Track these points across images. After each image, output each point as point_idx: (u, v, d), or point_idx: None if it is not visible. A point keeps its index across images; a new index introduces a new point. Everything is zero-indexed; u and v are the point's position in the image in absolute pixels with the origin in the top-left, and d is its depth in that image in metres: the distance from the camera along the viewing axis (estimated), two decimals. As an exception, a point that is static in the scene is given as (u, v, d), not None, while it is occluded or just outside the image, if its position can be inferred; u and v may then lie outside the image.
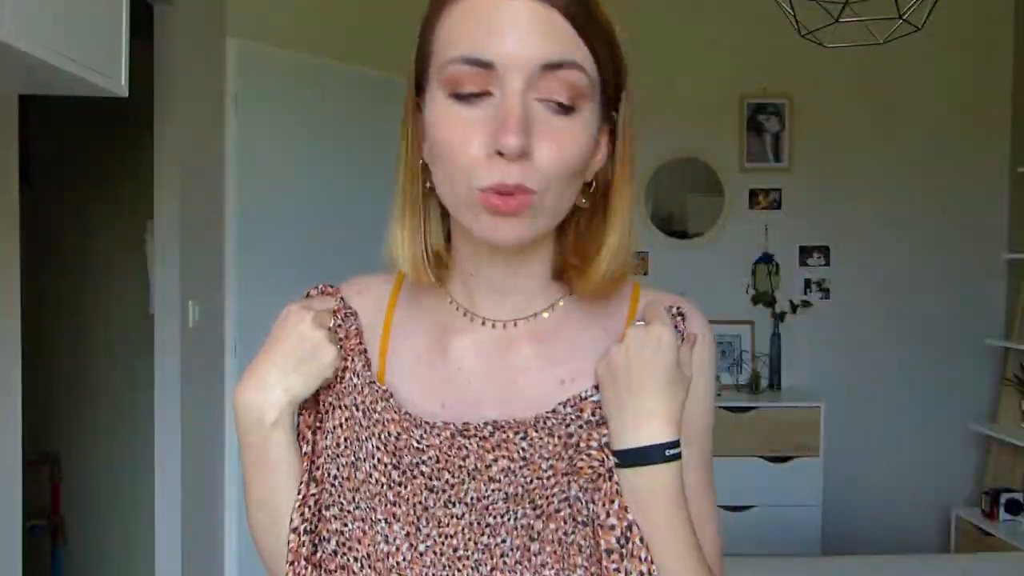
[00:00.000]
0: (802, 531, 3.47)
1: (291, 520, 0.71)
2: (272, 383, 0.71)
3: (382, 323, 0.76)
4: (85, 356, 3.34)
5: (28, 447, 2.04)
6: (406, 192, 0.70)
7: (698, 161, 3.88)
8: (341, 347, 0.74)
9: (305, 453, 0.73)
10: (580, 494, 0.68)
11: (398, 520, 0.69)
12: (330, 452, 0.73)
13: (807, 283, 3.87)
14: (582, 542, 0.67)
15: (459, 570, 0.68)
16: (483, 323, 0.73)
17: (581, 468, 0.67)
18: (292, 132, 3.03)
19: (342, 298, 0.77)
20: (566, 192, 0.65)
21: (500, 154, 0.60)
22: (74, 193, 3.33)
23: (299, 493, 0.71)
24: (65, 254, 3.33)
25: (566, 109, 0.62)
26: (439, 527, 0.68)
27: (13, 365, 1.88)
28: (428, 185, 0.69)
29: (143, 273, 3.17)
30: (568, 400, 0.68)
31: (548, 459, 0.68)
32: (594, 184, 0.69)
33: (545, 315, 0.73)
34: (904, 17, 2.09)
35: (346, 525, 0.71)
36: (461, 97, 0.62)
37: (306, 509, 0.71)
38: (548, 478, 0.68)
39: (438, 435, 0.68)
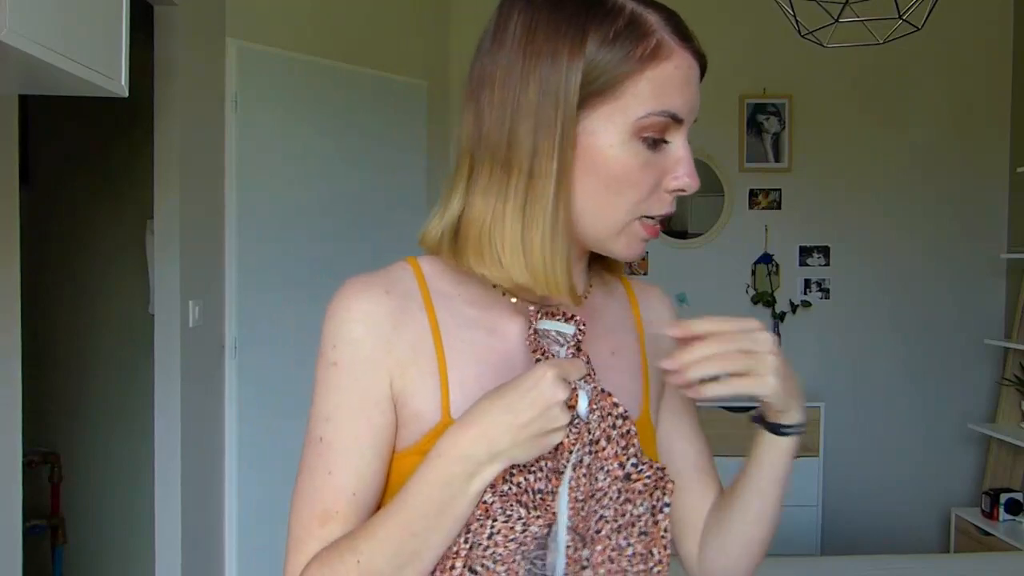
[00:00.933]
0: (802, 531, 3.47)
1: (453, 568, 0.69)
2: (500, 450, 0.66)
3: (427, 323, 0.75)
4: (85, 356, 3.34)
5: (28, 447, 2.04)
6: (559, 211, 0.70)
7: (698, 161, 3.85)
8: None
9: None
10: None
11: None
12: None
13: (807, 283, 3.87)
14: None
15: None
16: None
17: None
18: (292, 132, 3.03)
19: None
20: None
21: (673, 191, 0.73)
22: (74, 193, 3.33)
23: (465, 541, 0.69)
24: (65, 254, 3.33)
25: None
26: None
27: (13, 365, 1.88)
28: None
29: (143, 273, 3.18)
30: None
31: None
32: None
33: (590, 291, 0.83)
34: (904, 17, 2.10)
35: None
36: (650, 143, 0.71)
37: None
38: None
39: None
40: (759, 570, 0.85)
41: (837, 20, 2.20)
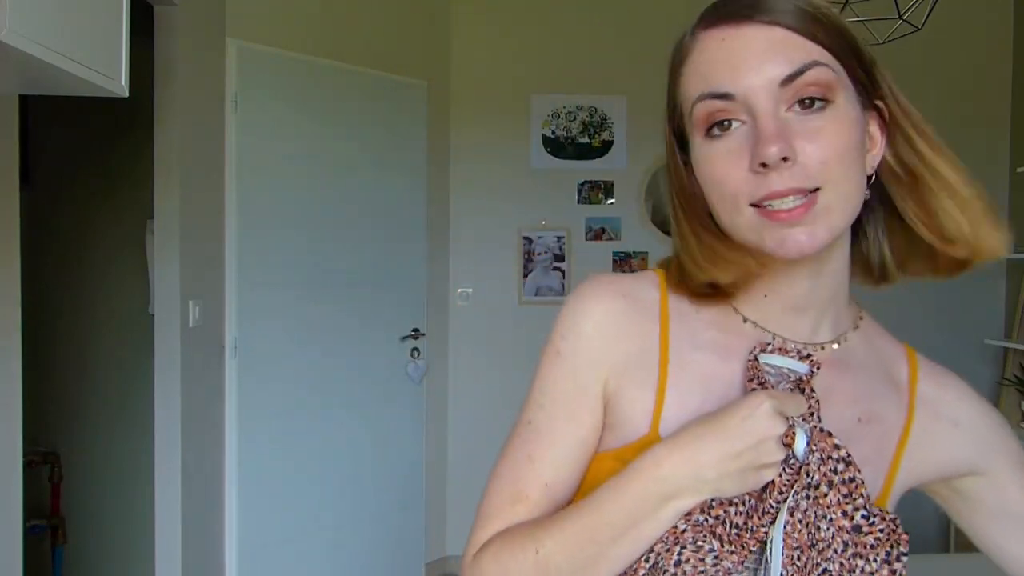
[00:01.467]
0: (802, 531, 3.46)
1: None
2: (705, 480, 0.64)
3: (657, 334, 0.74)
4: (85, 356, 3.34)
5: (28, 447, 2.04)
6: (702, 235, 0.71)
7: (698, 161, 3.88)
8: None
9: None
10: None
11: None
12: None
13: (807, 283, 3.87)
14: None
15: None
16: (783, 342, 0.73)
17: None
18: (292, 132, 3.03)
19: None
20: (848, 185, 0.65)
21: (763, 166, 0.62)
22: (74, 193, 3.33)
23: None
24: (65, 254, 3.33)
25: (818, 108, 0.64)
26: None
27: (13, 365, 1.88)
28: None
29: (143, 273, 3.17)
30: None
31: None
32: (874, 178, 0.71)
33: (845, 340, 0.75)
34: (904, 17, 2.09)
35: None
36: (714, 134, 0.66)
37: None
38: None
39: None
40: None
41: (837, 20, 2.19)
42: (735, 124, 0.65)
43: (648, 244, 3.88)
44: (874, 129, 0.70)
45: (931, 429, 0.77)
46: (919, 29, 2.18)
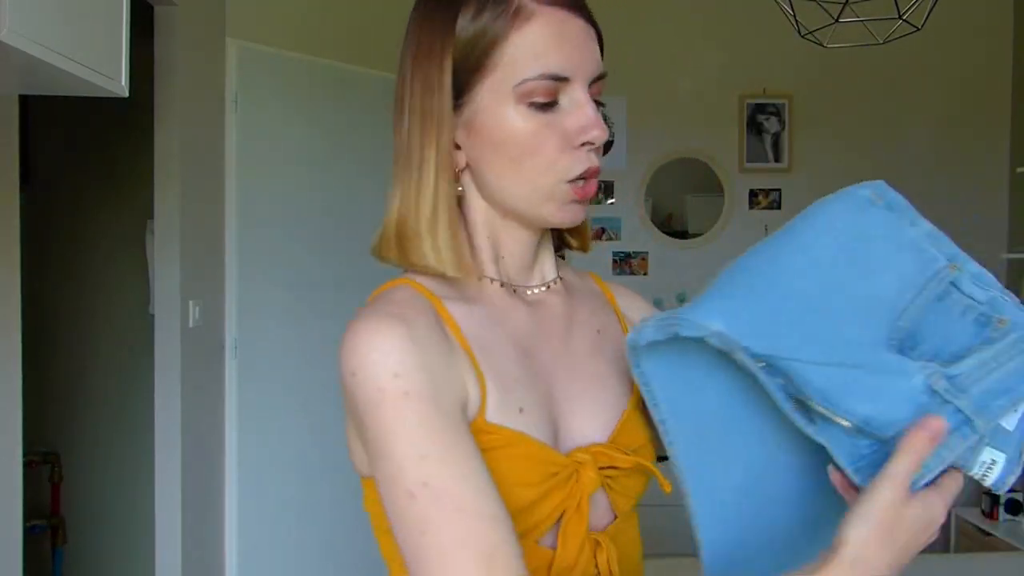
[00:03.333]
0: (802, 531, 3.46)
1: None
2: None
3: (456, 336, 0.72)
4: (85, 356, 3.34)
5: (28, 447, 2.04)
6: (441, 195, 0.72)
7: (698, 161, 3.88)
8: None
9: None
10: None
11: None
12: None
13: (807, 283, 3.87)
14: None
15: None
16: (528, 292, 0.80)
17: None
18: (292, 132, 3.03)
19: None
20: None
21: (582, 146, 0.71)
22: (74, 193, 3.33)
23: None
24: (65, 254, 3.32)
25: (599, 107, 0.74)
26: None
27: (14, 365, 1.88)
28: (460, 188, 0.75)
29: (143, 273, 3.17)
30: None
31: None
32: None
33: (561, 278, 0.84)
34: (904, 17, 2.10)
35: None
36: (538, 106, 0.70)
37: None
38: None
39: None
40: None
41: (837, 20, 2.20)
42: (556, 101, 0.71)
43: (648, 244, 3.89)
44: None
45: (629, 319, 0.87)
46: (919, 29, 2.18)
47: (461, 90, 0.71)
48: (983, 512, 3.33)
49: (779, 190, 3.87)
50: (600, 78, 0.74)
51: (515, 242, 0.78)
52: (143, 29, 2.47)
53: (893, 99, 3.84)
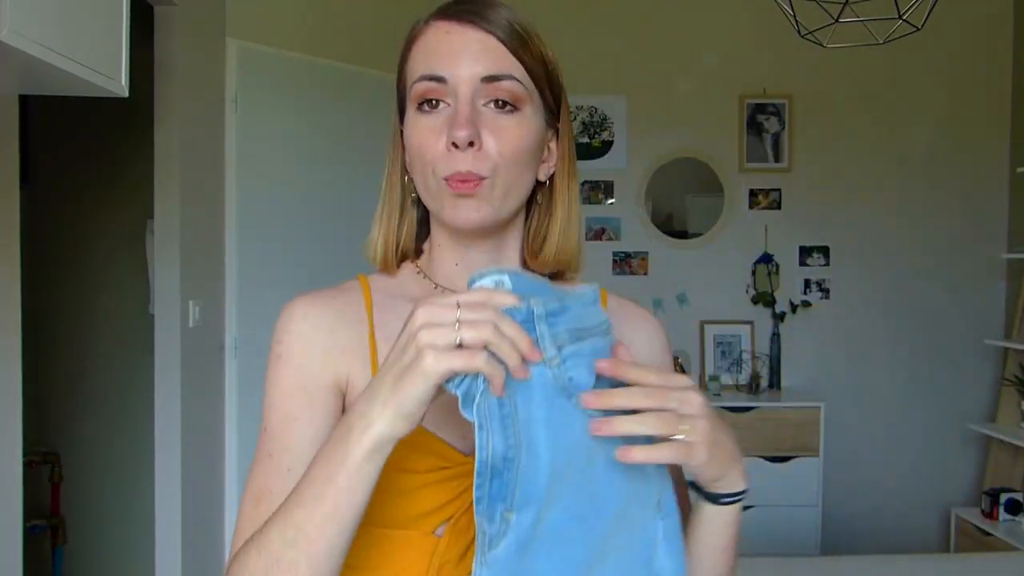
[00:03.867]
0: (802, 531, 3.47)
1: None
2: (371, 414, 0.63)
3: (367, 322, 0.81)
4: (85, 356, 3.34)
5: (28, 447, 2.04)
6: (386, 197, 0.85)
7: (698, 161, 3.88)
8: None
9: None
10: None
11: None
12: None
13: (807, 283, 3.87)
14: None
15: None
16: None
17: None
18: (292, 132, 3.03)
19: None
20: (516, 179, 0.77)
21: (455, 146, 0.73)
22: (74, 193, 3.32)
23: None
24: (65, 254, 3.32)
25: (508, 110, 0.75)
26: None
27: (13, 365, 1.88)
28: (414, 195, 0.82)
29: (143, 273, 3.17)
30: None
31: None
32: (547, 184, 0.83)
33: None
34: (904, 17, 2.10)
35: None
36: (424, 109, 0.76)
37: None
38: None
39: None
40: (761, 570, 0.85)
41: (837, 20, 2.20)
42: (442, 105, 0.75)
43: (648, 244, 3.89)
44: (553, 145, 0.82)
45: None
46: (919, 29, 2.18)
47: (403, 111, 0.80)
48: (983, 512, 3.33)
49: (779, 190, 3.87)
50: (494, 79, 0.74)
51: (455, 248, 0.82)
52: (143, 29, 2.47)
53: (893, 99, 3.84)
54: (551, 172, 0.82)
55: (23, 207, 1.92)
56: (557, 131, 0.83)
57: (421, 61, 0.77)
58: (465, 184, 0.73)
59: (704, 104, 3.86)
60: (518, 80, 0.75)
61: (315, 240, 3.07)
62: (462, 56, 0.75)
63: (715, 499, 0.72)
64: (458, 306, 0.60)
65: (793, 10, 2.22)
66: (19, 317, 1.89)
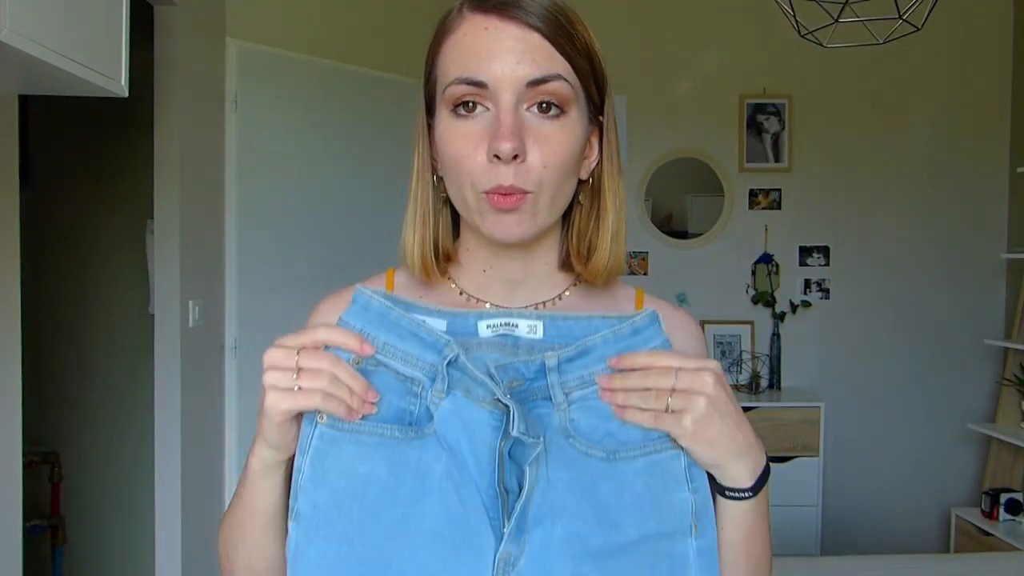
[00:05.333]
0: (801, 531, 3.47)
1: None
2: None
3: None
4: (85, 356, 3.34)
5: (28, 447, 2.04)
6: (418, 200, 0.78)
7: (698, 161, 3.88)
8: None
9: None
10: None
11: None
12: None
13: (807, 283, 3.87)
14: None
15: None
16: (487, 306, 0.79)
17: None
18: (292, 132, 3.03)
19: None
20: (561, 189, 0.72)
21: (497, 158, 0.68)
22: (74, 193, 3.32)
23: None
24: (65, 254, 3.32)
25: (554, 115, 0.70)
26: None
27: (13, 365, 1.88)
28: (444, 195, 0.77)
29: (143, 273, 3.17)
30: None
31: None
32: (590, 181, 0.78)
33: (555, 302, 0.80)
34: (904, 17, 2.10)
35: None
36: (460, 112, 0.71)
37: None
38: None
39: None
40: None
41: (837, 20, 2.20)
42: (480, 108, 0.70)
43: (648, 244, 3.89)
44: (594, 139, 0.77)
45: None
46: (919, 29, 2.18)
47: (431, 109, 0.76)
48: (983, 512, 3.33)
49: (779, 190, 3.87)
50: (540, 82, 0.69)
51: (486, 254, 0.78)
52: (143, 29, 2.47)
53: (893, 99, 3.84)
54: (592, 168, 0.77)
55: (23, 207, 1.92)
56: (600, 125, 0.78)
57: (457, 61, 0.71)
58: (507, 199, 0.69)
59: (704, 104, 3.86)
60: (565, 80, 0.70)
61: (315, 240, 3.07)
62: (504, 58, 0.69)
63: (720, 491, 0.71)
64: (298, 353, 0.65)
65: (793, 10, 2.22)
66: (19, 317, 1.89)
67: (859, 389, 3.84)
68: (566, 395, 0.69)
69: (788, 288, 3.86)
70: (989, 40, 3.82)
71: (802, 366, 3.85)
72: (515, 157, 0.68)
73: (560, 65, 0.70)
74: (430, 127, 0.77)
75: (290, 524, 0.68)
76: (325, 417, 0.67)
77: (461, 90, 0.70)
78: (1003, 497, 3.26)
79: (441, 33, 0.74)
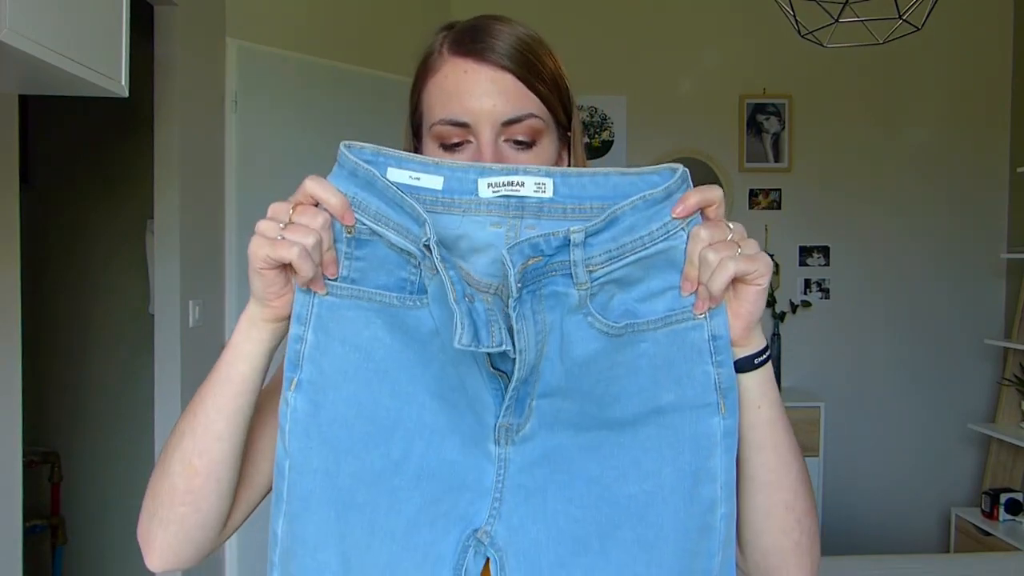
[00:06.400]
0: (802, 531, 3.46)
1: None
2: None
3: None
4: (85, 356, 3.34)
5: (28, 447, 2.04)
6: None
7: (698, 161, 3.88)
8: None
9: None
10: None
11: None
12: None
13: (807, 283, 3.87)
14: None
15: None
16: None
17: None
18: (292, 132, 3.03)
19: None
20: None
21: None
22: (74, 193, 3.33)
23: None
24: (65, 254, 3.33)
25: (528, 146, 0.79)
26: None
27: (13, 365, 1.88)
28: None
29: (143, 273, 3.17)
30: None
31: None
32: None
33: None
34: (904, 17, 2.10)
35: None
36: (447, 147, 0.79)
37: None
38: None
39: None
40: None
41: (837, 20, 2.20)
42: (465, 143, 0.78)
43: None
44: (564, 153, 0.85)
45: None
46: (919, 29, 2.18)
47: (419, 135, 0.83)
48: (983, 512, 3.33)
49: (779, 190, 3.87)
50: (514, 121, 0.77)
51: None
52: (143, 29, 2.47)
53: (893, 99, 3.84)
54: None
55: (23, 207, 1.92)
56: (568, 140, 0.85)
57: (441, 102, 0.79)
58: None
59: (704, 104, 3.86)
60: (537, 116, 0.78)
61: (315, 240, 3.07)
62: (482, 100, 0.77)
63: (752, 363, 0.70)
64: (293, 208, 0.68)
65: (793, 10, 2.22)
66: (19, 317, 1.89)
67: (859, 389, 3.84)
68: (589, 273, 0.66)
69: (788, 288, 3.86)
70: (989, 40, 3.82)
71: (802, 366, 3.85)
72: None
73: (531, 103, 0.78)
74: (417, 150, 0.84)
75: (290, 394, 0.67)
76: (326, 288, 0.67)
77: (447, 131, 0.78)
78: (1003, 497, 3.26)
79: (424, 71, 0.82)
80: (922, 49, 3.57)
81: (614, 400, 0.67)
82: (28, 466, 2.05)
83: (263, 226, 0.67)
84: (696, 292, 0.66)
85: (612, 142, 3.86)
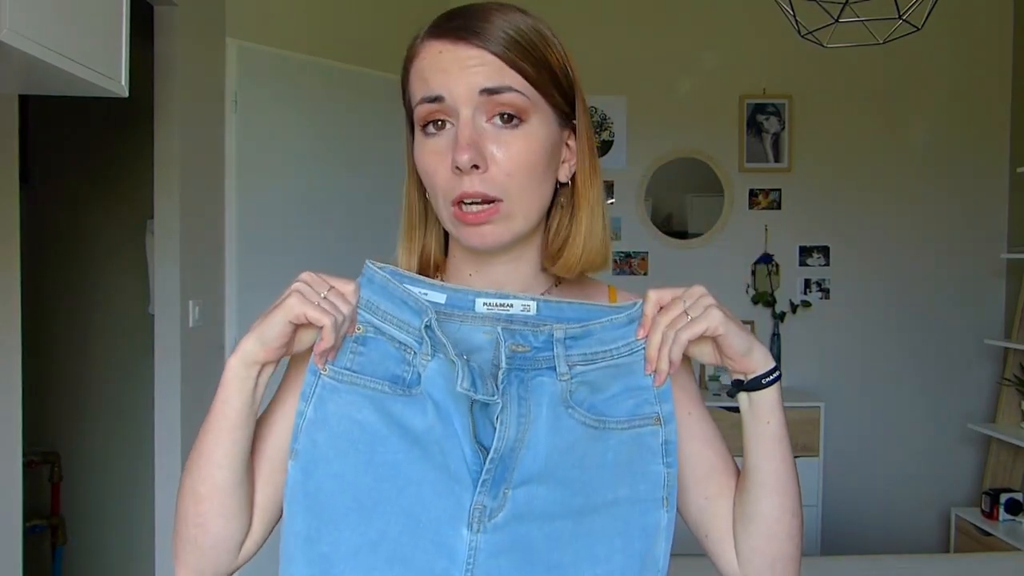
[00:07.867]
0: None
1: None
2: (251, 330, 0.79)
3: None
4: (85, 356, 3.34)
5: (28, 447, 2.04)
6: (407, 213, 0.85)
7: (698, 161, 3.88)
8: None
9: None
10: None
11: None
12: None
13: (807, 283, 3.88)
14: None
15: None
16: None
17: None
18: (292, 132, 3.03)
19: None
20: (532, 193, 0.77)
21: (457, 169, 0.73)
22: (74, 193, 3.33)
23: None
24: (65, 254, 3.33)
25: (513, 124, 0.75)
26: None
27: (13, 365, 1.88)
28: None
29: (143, 273, 3.17)
30: None
31: None
32: (569, 184, 0.82)
33: (546, 295, 0.84)
34: (904, 17, 2.10)
35: None
36: (429, 131, 0.77)
37: None
38: None
39: None
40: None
41: (837, 20, 2.20)
42: (448, 125, 0.76)
43: (648, 244, 3.89)
44: (572, 143, 0.82)
45: None
46: (919, 29, 2.18)
47: (412, 129, 0.81)
48: (983, 512, 3.33)
49: (779, 190, 3.87)
50: (493, 91, 0.74)
51: (471, 260, 0.83)
52: (143, 29, 2.47)
53: (893, 99, 3.84)
54: (573, 171, 0.82)
55: (23, 207, 1.92)
56: (575, 128, 0.81)
57: (419, 83, 0.77)
58: (476, 216, 0.75)
59: (704, 104, 3.86)
60: (518, 91, 0.75)
61: (315, 240, 3.07)
62: (456, 73, 0.74)
63: (758, 383, 0.76)
64: (330, 288, 0.74)
65: (793, 10, 2.22)
66: (19, 317, 1.89)
67: (859, 389, 3.84)
68: (570, 368, 0.75)
69: (788, 288, 3.86)
70: (989, 40, 3.83)
71: (802, 366, 3.85)
72: (476, 167, 0.73)
73: (511, 78, 0.74)
74: (413, 145, 0.83)
75: (289, 462, 0.74)
76: (328, 368, 0.74)
77: (425, 109, 0.76)
78: (1003, 497, 3.26)
79: (407, 60, 0.81)
80: (922, 49, 3.57)
81: (583, 487, 0.74)
82: (28, 466, 2.06)
83: (304, 288, 0.73)
84: (656, 370, 0.75)
85: (612, 142, 3.86)
